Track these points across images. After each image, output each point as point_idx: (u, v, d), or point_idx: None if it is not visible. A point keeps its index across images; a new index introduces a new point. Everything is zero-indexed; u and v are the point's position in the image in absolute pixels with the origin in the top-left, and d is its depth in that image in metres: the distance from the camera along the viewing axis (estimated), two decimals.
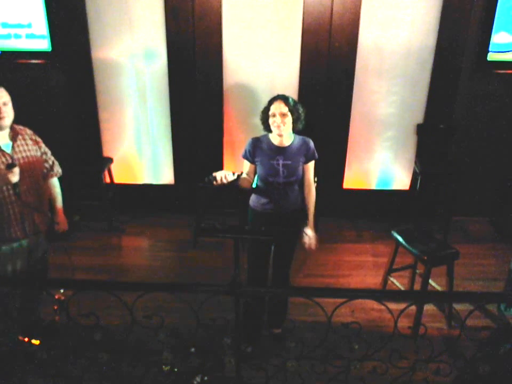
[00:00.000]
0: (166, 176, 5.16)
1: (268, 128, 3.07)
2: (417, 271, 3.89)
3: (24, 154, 2.95)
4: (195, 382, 2.78)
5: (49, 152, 3.18)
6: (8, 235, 2.92)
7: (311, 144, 3.18)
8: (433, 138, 4.87)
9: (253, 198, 3.22)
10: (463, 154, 4.94)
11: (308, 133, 4.79)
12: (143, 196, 5.19)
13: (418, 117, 4.88)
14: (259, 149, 3.09)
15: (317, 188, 4.75)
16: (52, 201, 3.22)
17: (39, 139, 3.11)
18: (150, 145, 5.04)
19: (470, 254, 4.59)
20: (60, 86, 4.76)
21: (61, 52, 4.61)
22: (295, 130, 3.11)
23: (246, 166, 3.17)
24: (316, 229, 4.70)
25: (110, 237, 4.91)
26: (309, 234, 3.25)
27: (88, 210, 4.99)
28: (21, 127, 3.03)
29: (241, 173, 3.13)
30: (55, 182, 3.23)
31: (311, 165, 3.21)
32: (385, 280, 3.95)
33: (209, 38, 4.55)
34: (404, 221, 4.34)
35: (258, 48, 4.62)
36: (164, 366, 2.50)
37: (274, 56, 4.64)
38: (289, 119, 2.99)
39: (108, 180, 4.96)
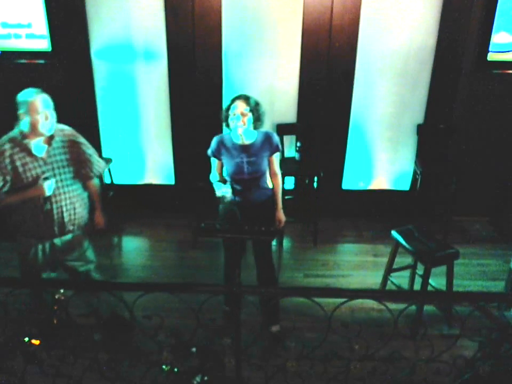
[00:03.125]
0: (166, 176, 5.16)
1: (228, 126, 3.19)
2: (417, 271, 3.89)
3: (58, 157, 2.97)
4: (195, 382, 2.78)
5: (89, 151, 3.14)
6: (40, 233, 3.02)
7: (274, 138, 3.26)
8: (433, 138, 4.86)
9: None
10: (463, 154, 4.93)
11: (308, 132, 4.83)
12: (143, 196, 5.19)
13: (418, 117, 4.88)
14: (223, 148, 3.22)
15: (317, 188, 4.78)
16: (91, 201, 3.29)
17: (79, 139, 3.10)
18: (150, 145, 5.04)
19: (470, 254, 4.58)
20: (60, 86, 4.75)
21: (61, 52, 4.61)
22: (255, 129, 3.21)
23: (214, 163, 3.33)
24: (316, 229, 4.73)
25: (110, 237, 4.91)
26: (280, 217, 3.43)
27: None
28: (61, 128, 3.03)
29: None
30: (93, 182, 3.26)
31: (275, 157, 3.31)
32: (385, 280, 3.95)
33: (209, 38, 4.54)
34: (404, 221, 4.33)
35: (258, 48, 4.61)
36: (163, 366, 2.50)
37: (274, 56, 4.64)
38: (250, 118, 3.09)
39: (107, 180, 4.96)
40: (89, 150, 3.16)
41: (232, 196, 3.11)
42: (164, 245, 4.78)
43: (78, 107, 4.85)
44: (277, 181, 3.39)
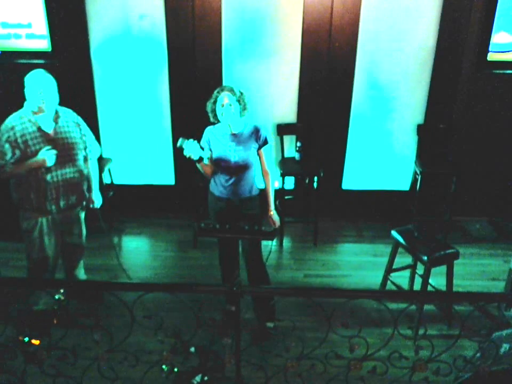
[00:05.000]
0: (166, 176, 5.16)
1: (215, 118, 3.28)
2: (417, 271, 3.89)
3: (64, 135, 3.23)
4: (195, 382, 2.78)
5: (87, 135, 3.43)
6: (43, 208, 3.24)
7: (263, 130, 3.33)
8: (433, 138, 4.86)
9: (211, 182, 3.44)
10: (463, 154, 4.93)
11: (308, 132, 4.83)
12: (143, 196, 5.19)
13: (418, 117, 4.88)
14: (214, 136, 3.35)
15: (317, 188, 4.78)
16: (88, 181, 3.54)
17: (80, 121, 3.40)
18: (150, 145, 5.04)
19: (470, 254, 4.59)
20: (60, 86, 4.74)
21: (61, 52, 4.61)
22: (241, 117, 3.31)
23: (207, 153, 3.39)
24: (316, 229, 4.73)
25: (110, 237, 4.90)
26: (273, 217, 3.43)
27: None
28: (66, 110, 3.35)
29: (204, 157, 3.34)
30: (91, 163, 3.53)
31: (265, 151, 3.36)
32: (385, 280, 3.95)
33: (209, 38, 4.54)
34: (404, 221, 4.33)
35: (258, 48, 4.61)
36: (163, 366, 2.50)
37: (274, 56, 4.64)
38: (236, 108, 3.20)
39: (107, 180, 4.96)
40: (89, 132, 3.46)
41: (197, 156, 3.19)
42: (163, 245, 4.78)
43: (78, 107, 4.83)
44: (269, 179, 3.44)
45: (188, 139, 3.20)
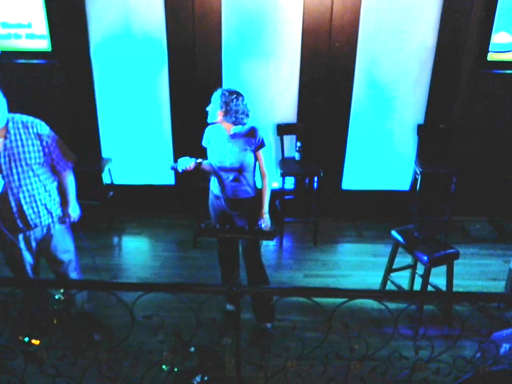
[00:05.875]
0: (166, 176, 5.16)
1: (213, 117, 3.27)
2: (417, 271, 3.89)
3: (15, 150, 2.91)
4: (195, 382, 2.78)
5: (54, 145, 3.06)
6: (8, 227, 3.01)
7: (259, 132, 3.32)
8: (433, 138, 4.86)
9: (211, 182, 3.49)
10: (463, 154, 4.94)
11: (308, 132, 4.83)
12: (143, 196, 5.19)
13: (418, 117, 4.88)
14: (213, 136, 3.39)
15: (317, 188, 4.78)
16: (61, 194, 3.26)
17: (43, 131, 3.01)
18: (150, 145, 5.04)
19: (470, 254, 4.59)
20: (60, 86, 4.76)
21: (61, 52, 4.61)
22: (241, 122, 3.29)
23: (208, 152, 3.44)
24: (316, 229, 4.73)
25: (110, 237, 4.91)
26: (265, 220, 3.38)
27: (88, 210, 4.99)
28: (20, 118, 2.96)
29: (203, 159, 3.39)
30: (64, 175, 3.20)
31: (263, 153, 3.36)
32: (385, 280, 3.95)
33: (209, 38, 4.54)
34: (404, 221, 4.33)
35: (258, 48, 4.61)
36: (163, 366, 2.50)
37: (274, 56, 4.64)
38: (215, 109, 3.21)
39: (107, 180, 4.96)
40: (55, 141, 3.07)
41: (192, 164, 3.24)
42: (163, 245, 4.78)
43: (78, 107, 4.86)
44: (265, 181, 3.43)
45: (175, 162, 3.29)
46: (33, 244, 3.18)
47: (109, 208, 4.94)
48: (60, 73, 4.72)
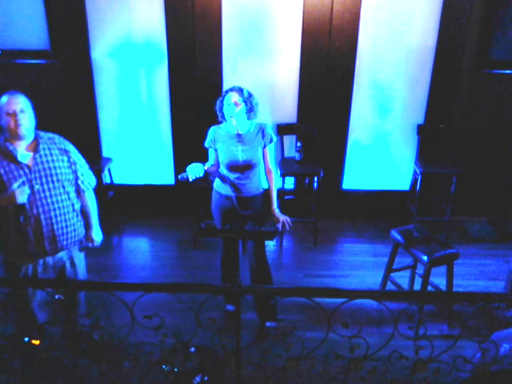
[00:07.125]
0: (166, 176, 5.16)
1: (223, 117, 3.28)
2: (417, 271, 3.89)
3: (46, 165, 2.76)
4: (195, 382, 2.78)
5: (79, 162, 2.93)
6: (30, 251, 2.81)
7: (268, 128, 3.36)
8: (433, 138, 4.86)
9: (217, 182, 3.45)
10: (463, 154, 4.93)
11: (308, 132, 4.82)
12: (143, 196, 5.19)
13: (418, 117, 4.87)
14: (219, 137, 3.33)
15: (317, 188, 4.78)
16: (84, 216, 3.08)
17: (69, 148, 2.89)
18: (150, 145, 5.04)
19: (470, 254, 4.59)
20: (60, 86, 4.76)
21: (61, 52, 4.61)
22: (249, 119, 3.31)
23: (211, 153, 3.42)
24: (316, 229, 4.73)
25: (110, 237, 4.91)
26: (277, 215, 3.37)
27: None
28: (50, 135, 2.86)
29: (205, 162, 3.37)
30: (86, 196, 3.03)
31: (269, 149, 3.38)
32: (385, 280, 3.95)
33: (209, 38, 4.54)
34: (404, 221, 4.33)
35: (258, 48, 4.61)
36: (163, 366, 2.50)
37: (274, 56, 4.64)
38: (242, 108, 3.19)
39: (107, 180, 4.96)
40: (80, 160, 2.95)
41: (202, 171, 3.16)
42: (163, 245, 4.78)
43: (78, 107, 4.86)
44: (272, 178, 3.45)
45: (184, 172, 3.17)
46: (51, 272, 2.95)
47: (109, 208, 4.94)
48: (59, 73, 4.72)
